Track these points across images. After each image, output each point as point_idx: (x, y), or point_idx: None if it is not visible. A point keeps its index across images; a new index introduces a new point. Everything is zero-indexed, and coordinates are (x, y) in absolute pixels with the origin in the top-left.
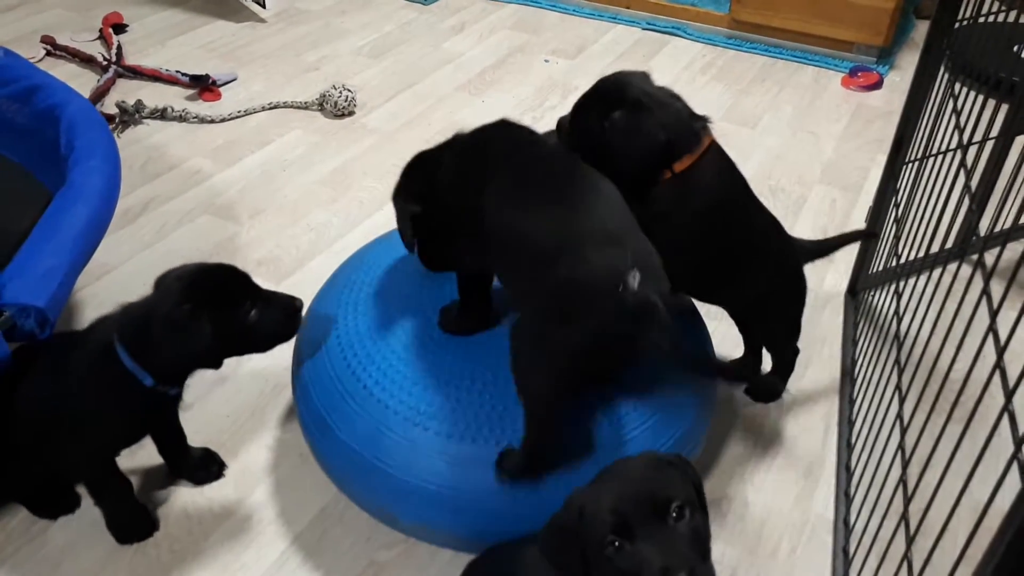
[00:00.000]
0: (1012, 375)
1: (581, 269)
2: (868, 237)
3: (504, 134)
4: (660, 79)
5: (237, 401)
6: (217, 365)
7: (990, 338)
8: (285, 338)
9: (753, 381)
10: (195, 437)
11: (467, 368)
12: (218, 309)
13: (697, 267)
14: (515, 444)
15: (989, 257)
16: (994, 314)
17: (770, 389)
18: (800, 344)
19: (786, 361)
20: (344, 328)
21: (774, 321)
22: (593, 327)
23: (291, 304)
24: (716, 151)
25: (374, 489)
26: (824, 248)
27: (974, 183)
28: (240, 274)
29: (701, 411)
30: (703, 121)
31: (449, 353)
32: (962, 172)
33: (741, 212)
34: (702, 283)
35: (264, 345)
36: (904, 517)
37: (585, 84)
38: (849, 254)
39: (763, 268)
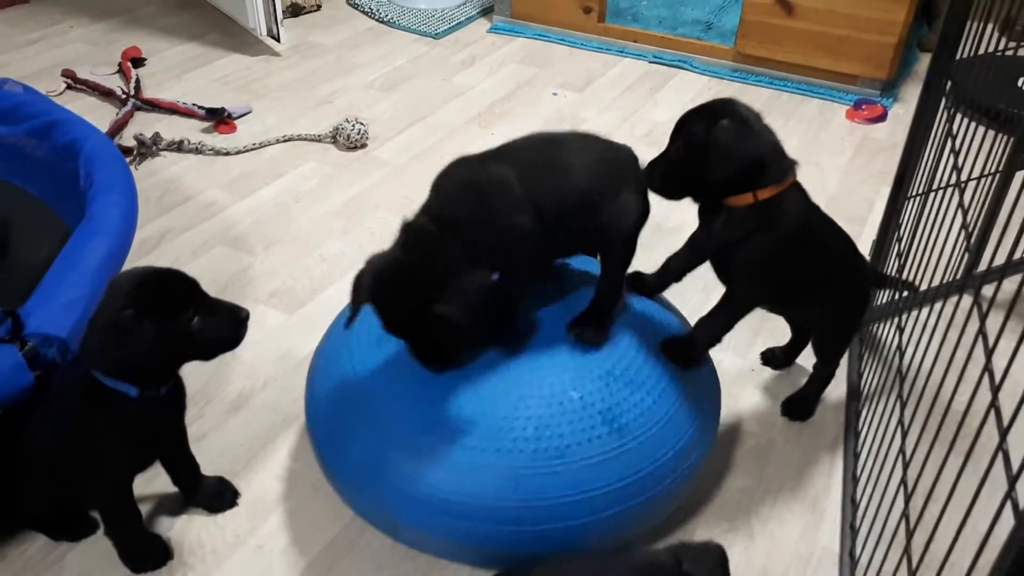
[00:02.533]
0: (1007, 411)
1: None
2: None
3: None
4: (667, 112)
5: (250, 431)
6: (168, 370)
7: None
8: (230, 346)
9: (788, 399)
10: (209, 466)
11: (469, 381)
12: (161, 313)
13: (773, 286)
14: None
15: (989, 289)
16: (989, 354)
17: (805, 406)
18: None
19: (825, 373)
20: (356, 344)
21: (832, 331)
22: None
23: (236, 313)
24: (799, 191)
25: (378, 497)
26: (882, 280)
27: (973, 221)
28: (186, 280)
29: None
30: (792, 162)
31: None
32: (959, 211)
33: (818, 241)
34: (777, 299)
35: (208, 352)
36: (907, 551)
37: (593, 116)
38: None
39: (837, 287)
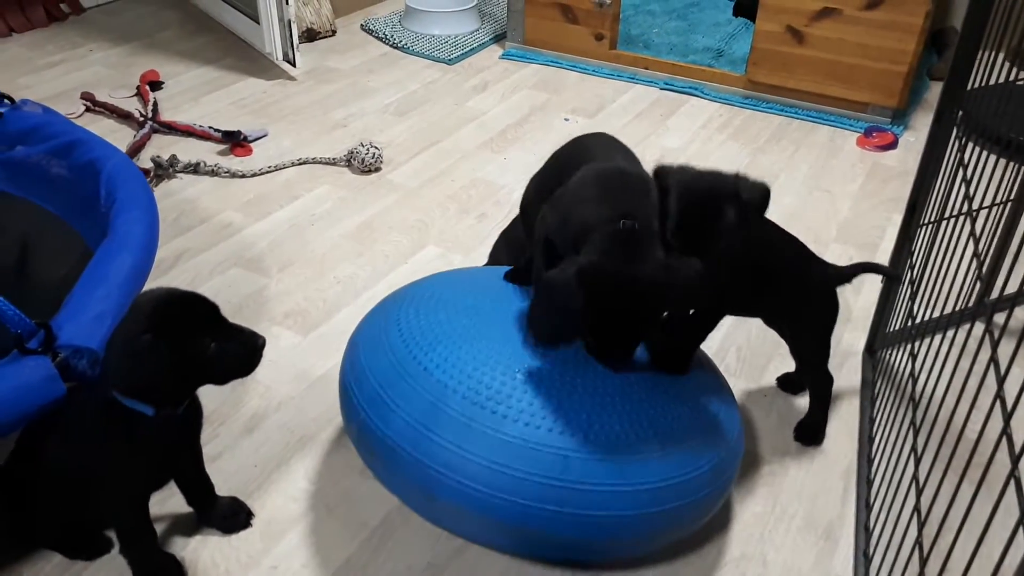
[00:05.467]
0: (1020, 438)
1: None
2: (889, 277)
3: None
4: (678, 138)
5: (264, 452)
6: (185, 392)
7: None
8: (243, 374)
9: (800, 424)
10: (223, 486)
11: (524, 358)
12: (178, 338)
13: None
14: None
15: (1002, 317)
16: (1001, 381)
17: (815, 431)
18: None
19: (818, 387)
20: (406, 322)
21: (803, 336)
22: None
23: (253, 341)
24: None
25: (421, 464)
26: (852, 272)
27: (984, 249)
28: (206, 304)
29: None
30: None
31: (508, 344)
32: (971, 241)
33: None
34: (730, 299)
35: (221, 379)
36: None
37: None
38: (867, 312)
39: (785, 283)
